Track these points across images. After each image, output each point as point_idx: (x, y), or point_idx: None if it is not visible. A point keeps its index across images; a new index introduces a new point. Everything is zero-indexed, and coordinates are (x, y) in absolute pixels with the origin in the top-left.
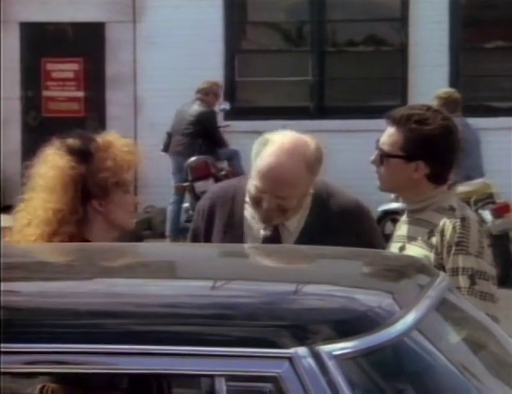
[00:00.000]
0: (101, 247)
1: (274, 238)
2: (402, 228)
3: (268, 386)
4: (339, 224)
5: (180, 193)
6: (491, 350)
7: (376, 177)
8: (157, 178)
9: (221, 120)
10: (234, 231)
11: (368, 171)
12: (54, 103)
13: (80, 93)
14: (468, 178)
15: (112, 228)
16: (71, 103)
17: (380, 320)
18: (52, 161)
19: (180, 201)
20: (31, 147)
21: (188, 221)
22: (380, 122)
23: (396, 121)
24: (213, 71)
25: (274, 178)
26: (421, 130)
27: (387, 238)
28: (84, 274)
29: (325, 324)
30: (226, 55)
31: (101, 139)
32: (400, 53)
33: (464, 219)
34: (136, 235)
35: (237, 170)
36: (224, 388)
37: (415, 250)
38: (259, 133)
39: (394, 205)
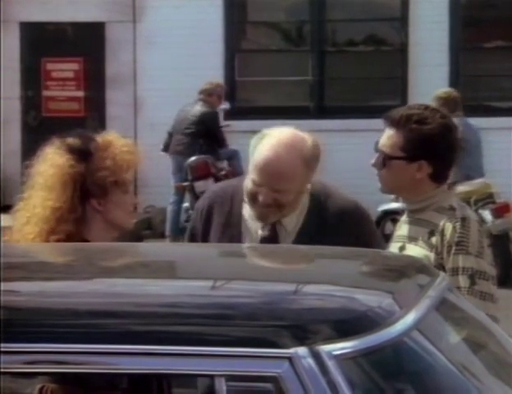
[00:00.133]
0: (101, 247)
1: (272, 237)
2: (402, 228)
3: (268, 386)
4: (337, 225)
5: (180, 193)
6: (490, 350)
7: (376, 178)
8: (157, 178)
9: (221, 119)
10: (232, 231)
11: (367, 171)
12: (54, 103)
13: (80, 93)
14: (468, 178)
15: (111, 228)
16: (71, 103)
17: (380, 320)
18: (52, 159)
19: (180, 201)
20: (31, 147)
21: (188, 221)
22: (380, 122)
23: (395, 123)
24: (213, 70)
25: (271, 171)
26: (421, 130)
27: (387, 238)
28: (83, 274)
29: (325, 324)
30: (226, 55)
31: (101, 138)
32: (400, 53)
33: (464, 219)
34: (136, 235)
35: (237, 170)
36: (224, 388)
37: (415, 250)
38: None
39: (394, 205)
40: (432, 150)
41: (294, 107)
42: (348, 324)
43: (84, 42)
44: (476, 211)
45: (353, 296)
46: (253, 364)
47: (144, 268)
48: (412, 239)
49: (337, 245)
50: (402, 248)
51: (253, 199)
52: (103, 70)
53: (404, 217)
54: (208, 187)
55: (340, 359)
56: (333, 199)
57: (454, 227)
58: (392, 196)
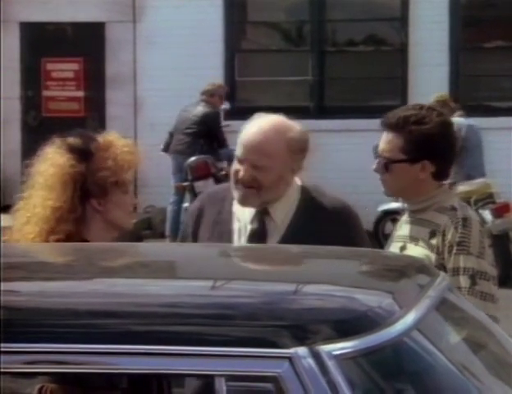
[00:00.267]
0: (101, 247)
1: (261, 231)
2: (403, 228)
3: (268, 386)
4: (326, 223)
5: (180, 193)
6: (491, 350)
7: (376, 178)
8: (157, 178)
9: (221, 120)
10: (222, 227)
11: (367, 171)
12: (54, 103)
13: (80, 93)
14: (469, 177)
15: (111, 228)
16: (71, 103)
17: (380, 320)
18: (53, 159)
19: (180, 201)
20: (31, 147)
21: None
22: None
23: (393, 126)
24: (213, 70)
25: (252, 145)
26: (421, 130)
27: (387, 238)
28: (83, 274)
29: (325, 324)
30: (226, 55)
31: (101, 138)
32: (400, 53)
33: (465, 219)
34: (136, 235)
35: None
36: (224, 388)
37: (416, 250)
38: None
39: (394, 205)
40: (434, 149)
41: (294, 107)
42: (348, 324)
43: (84, 42)
44: (476, 211)
45: (353, 296)
46: (253, 364)
47: (144, 268)
48: (413, 239)
49: (325, 242)
50: (403, 248)
51: (235, 177)
52: (103, 70)
53: (404, 217)
54: (208, 187)
55: (340, 359)
56: (323, 197)
57: (455, 227)
58: None
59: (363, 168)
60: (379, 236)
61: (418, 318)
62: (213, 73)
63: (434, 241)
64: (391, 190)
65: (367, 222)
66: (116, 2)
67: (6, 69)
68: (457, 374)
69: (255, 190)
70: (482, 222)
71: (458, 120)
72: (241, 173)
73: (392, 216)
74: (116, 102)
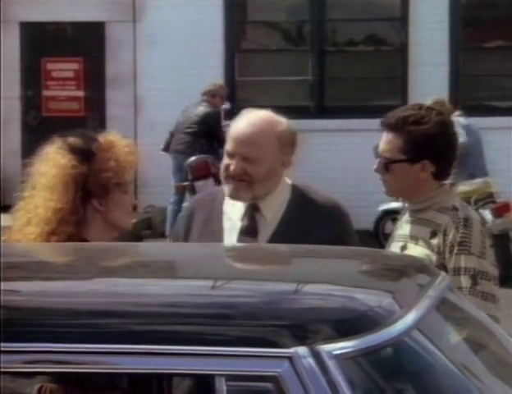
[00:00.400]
0: (101, 247)
1: (251, 228)
2: (404, 227)
3: (268, 385)
4: (317, 220)
5: (180, 192)
6: (491, 350)
7: (376, 178)
8: (157, 178)
9: (222, 119)
10: (212, 226)
11: (367, 171)
12: (54, 103)
13: (80, 93)
14: (472, 177)
15: (111, 228)
16: (71, 103)
17: (380, 320)
18: (54, 159)
19: (180, 201)
20: (31, 146)
21: None
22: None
23: (393, 126)
24: (213, 70)
25: (242, 138)
26: (420, 130)
27: (387, 237)
28: (84, 274)
29: (325, 324)
30: (226, 54)
31: (103, 138)
32: (400, 53)
33: (466, 219)
34: (136, 235)
35: None
36: (224, 388)
37: (417, 250)
38: None
39: (394, 205)
40: (434, 149)
41: (294, 106)
42: (348, 324)
43: (84, 42)
44: (476, 211)
45: (353, 296)
46: (253, 363)
47: (144, 267)
48: (414, 238)
49: (315, 239)
50: (404, 247)
51: (226, 172)
52: (103, 70)
53: (405, 217)
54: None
55: (340, 358)
56: (314, 195)
57: (456, 227)
58: None
59: (363, 168)
60: (379, 236)
61: (418, 317)
62: (213, 73)
63: (435, 241)
64: (392, 190)
65: (367, 221)
66: (116, 2)
67: (6, 69)
68: (457, 374)
69: (246, 183)
70: (483, 221)
71: (456, 120)
72: (232, 167)
73: (393, 215)
74: (116, 102)
